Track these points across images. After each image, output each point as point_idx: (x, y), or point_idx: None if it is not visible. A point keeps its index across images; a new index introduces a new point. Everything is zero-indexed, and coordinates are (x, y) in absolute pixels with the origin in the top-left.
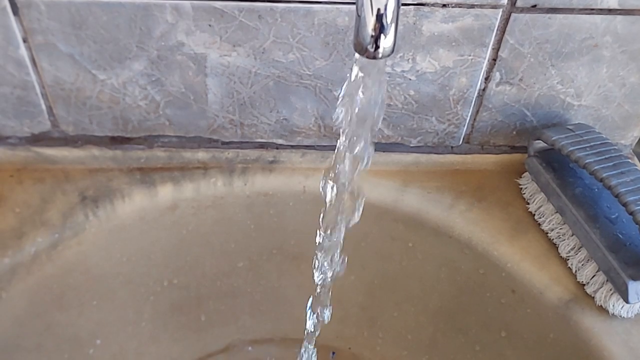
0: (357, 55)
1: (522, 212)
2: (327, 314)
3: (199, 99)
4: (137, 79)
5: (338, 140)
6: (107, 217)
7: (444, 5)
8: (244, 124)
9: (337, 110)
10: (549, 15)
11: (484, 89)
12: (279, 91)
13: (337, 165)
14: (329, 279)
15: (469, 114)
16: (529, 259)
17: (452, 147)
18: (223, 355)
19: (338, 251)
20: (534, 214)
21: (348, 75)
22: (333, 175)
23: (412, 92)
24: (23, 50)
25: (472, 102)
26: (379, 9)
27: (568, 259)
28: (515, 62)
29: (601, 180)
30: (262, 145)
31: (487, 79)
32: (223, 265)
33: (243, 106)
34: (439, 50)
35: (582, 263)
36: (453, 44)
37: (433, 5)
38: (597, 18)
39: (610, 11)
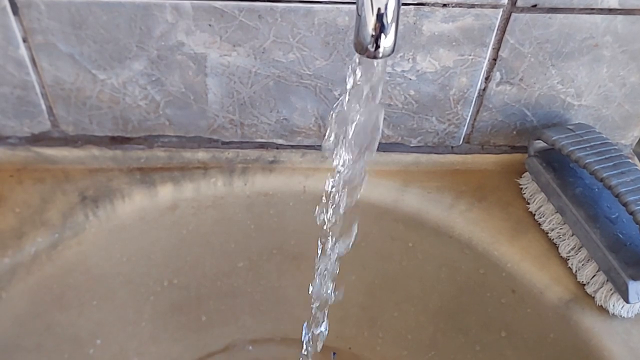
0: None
1: (523, 212)
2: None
3: (199, 98)
4: (137, 78)
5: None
6: (107, 217)
7: (444, 5)
8: (244, 124)
9: (326, 137)
10: (549, 15)
11: (484, 89)
12: (279, 91)
13: (332, 193)
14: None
15: (469, 114)
16: (529, 259)
17: (452, 147)
18: (223, 355)
19: (332, 282)
20: (534, 214)
21: (341, 100)
22: (327, 201)
23: (412, 92)
24: (23, 50)
25: (472, 102)
26: (379, 9)
27: (568, 259)
28: (516, 62)
29: (601, 180)
30: (262, 145)
31: (487, 78)
32: (223, 265)
33: (243, 106)
34: (439, 50)
35: (582, 263)
36: (453, 43)
37: (433, 5)
38: (598, 18)
39: (610, 11)
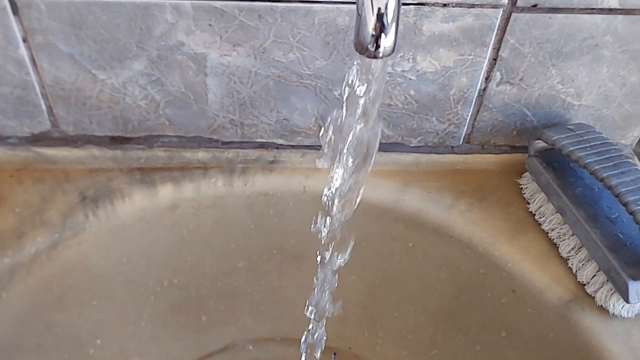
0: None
1: (523, 212)
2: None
3: (199, 98)
4: (137, 78)
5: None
6: (107, 217)
7: (445, 5)
8: (244, 124)
9: (322, 150)
10: (549, 14)
11: (484, 89)
12: (279, 91)
13: (329, 204)
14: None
15: (470, 114)
16: (529, 259)
17: (452, 147)
18: (223, 355)
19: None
20: (534, 214)
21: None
22: (325, 213)
23: (412, 92)
24: (23, 50)
25: (472, 101)
26: (379, 8)
27: (568, 259)
28: (516, 62)
29: (601, 180)
30: (262, 145)
31: (487, 78)
32: (223, 265)
33: (243, 106)
34: (439, 50)
35: (582, 263)
36: (453, 43)
37: (433, 4)
38: (598, 18)
39: (610, 11)
